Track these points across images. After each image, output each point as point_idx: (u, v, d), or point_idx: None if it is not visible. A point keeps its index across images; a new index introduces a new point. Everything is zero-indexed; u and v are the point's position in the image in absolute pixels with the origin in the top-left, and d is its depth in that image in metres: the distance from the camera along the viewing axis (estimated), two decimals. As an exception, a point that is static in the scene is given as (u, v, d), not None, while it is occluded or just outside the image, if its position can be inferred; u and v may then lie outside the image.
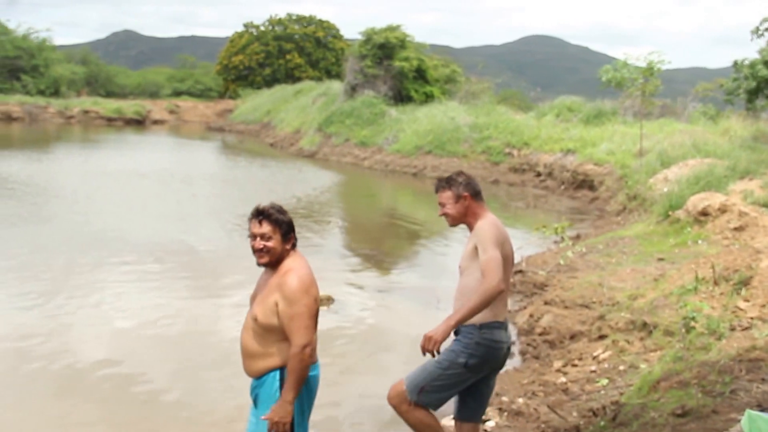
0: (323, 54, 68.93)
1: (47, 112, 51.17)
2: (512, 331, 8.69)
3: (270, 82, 62.63)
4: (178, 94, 67.12)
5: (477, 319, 4.43)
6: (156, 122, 55.20)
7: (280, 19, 70.31)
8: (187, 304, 9.40)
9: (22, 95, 53.03)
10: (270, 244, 4.08)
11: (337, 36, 70.83)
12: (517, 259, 11.84)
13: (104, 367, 7.23)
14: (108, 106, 53.56)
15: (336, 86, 38.97)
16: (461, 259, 4.65)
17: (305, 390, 4.07)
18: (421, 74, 33.10)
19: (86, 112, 52.03)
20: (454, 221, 4.67)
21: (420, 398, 4.49)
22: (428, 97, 32.19)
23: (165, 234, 13.66)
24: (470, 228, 4.64)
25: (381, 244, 14.58)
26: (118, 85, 66.96)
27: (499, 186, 23.29)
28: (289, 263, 4.09)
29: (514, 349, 8.12)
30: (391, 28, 33.25)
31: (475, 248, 4.47)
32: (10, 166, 23.15)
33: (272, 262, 4.10)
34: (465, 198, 4.60)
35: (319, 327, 8.68)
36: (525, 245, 12.89)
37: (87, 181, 20.94)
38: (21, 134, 40.76)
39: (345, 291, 10.33)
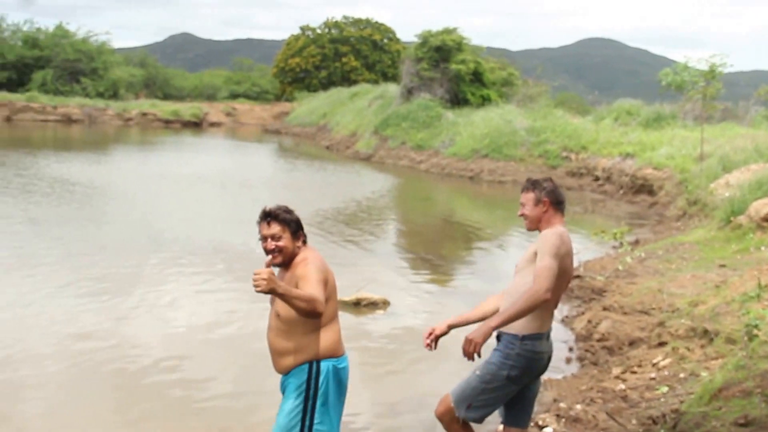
0: (379, 57, 69.08)
1: (106, 114, 52.10)
2: (569, 336, 8.64)
3: (326, 85, 62.98)
4: (234, 96, 67.82)
5: (520, 329, 4.41)
6: (213, 124, 55.82)
7: (336, 22, 70.66)
8: (245, 307, 9.49)
9: (81, 97, 54.07)
10: (281, 243, 4.20)
11: (394, 39, 70.90)
12: (575, 264, 11.78)
13: (163, 368, 7.31)
14: (165, 108, 54.32)
15: (392, 89, 39.01)
16: (519, 260, 4.64)
17: (333, 381, 4.18)
18: (477, 77, 32.99)
19: (144, 114, 52.85)
20: (531, 224, 4.64)
21: (468, 414, 4.48)
22: (485, 100, 32.06)
23: (223, 236, 13.80)
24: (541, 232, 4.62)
25: (437, 248, 14.56)
26: (176, 87, 67.91)
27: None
28: (302, 256, 4.22)
29: (572, 354, 8.06)
30: (448, 31, 33.19)
31: (535, 253, 4.43)
32: (71, 168, 23.63)
33: (285, 261, 4.21)
34: (544, 203, 4.57)
35: (374, 329, 8.74)
36: (583, 250, 12.77)
37: (145, 183, 21.28)
38: (81, 136, 41.56)
39: (400, 294, 10.34)
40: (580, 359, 7.90)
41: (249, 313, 9.14)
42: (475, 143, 27.05)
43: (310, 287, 3.97)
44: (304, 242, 4.31)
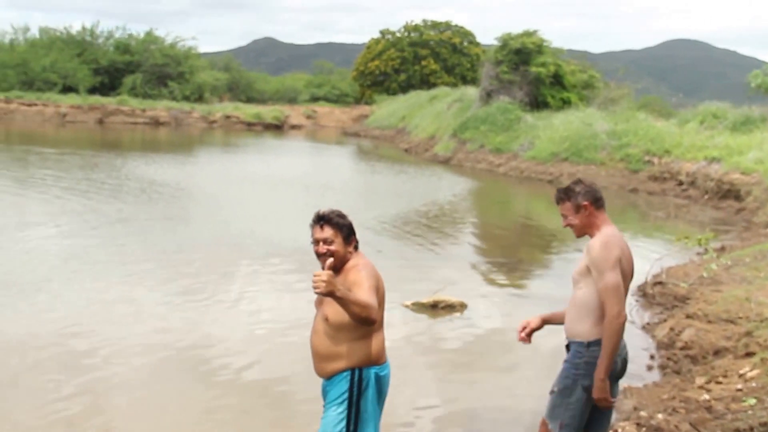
0: (458, 60, 68.98)
1: (191, 116, 53.23)
2: (651, 344, 8.45)
3: (405, 88, 63.16)
4: (315, 99, 68.55)
5: (586, 335, 4.35)
6: (293, 127, 56.50)
7: (416, 26, 70.82)
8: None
9: (168, 101, 55.43)
10: (333, 247, 4.19)
11: (473, 42, 70.73)
12: (656, 269, 11.53)
13: (244, 366, 7.39)
14: (248, 111, 55.23)
15: (471, 92, 38.86)
16: (574, 271, 4.54)
17: (374, 389, 4.16)
18: (558, 80, 32.62)
19: (228, 117, 53.81)
20: (579, 232, 4.52)
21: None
22: (565, 103, 31.67)
23: (305, 238, 13.91)
24: (591, 236, 4.49)
25: (514, 252, 14.43)
26: (258, 90, 68.97)
27: (638, 195, 22.66)
28: (353, 262, 4.21)
29: (654, 362, 7.89)
30: (528, 34, 32.90)
31: (588, 267, 4.35)
32: (159, 169, 24.20)
33: (336, 265, 4.16)
34: (585, 207, 4.43)
35: (451, 332, 8.70)
36: (665, 256, 12.51)
37: (229, 185, 21.63)
38: (167, 138, 42.51)
39: (478, 298, 10.27)
40: (662, 367, 7.72)
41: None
42: (555, 147, 26.72)
43: (364, 294, 3.95)
44: (356, 248, 4.29)
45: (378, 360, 4.20)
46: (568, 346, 4.49)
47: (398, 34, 70.88)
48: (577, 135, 26.64)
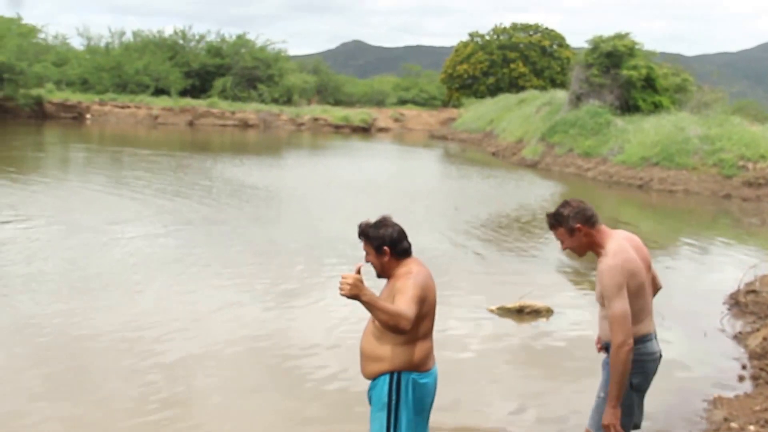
0: (548, 63, 68.37)
1: (280, 119, 54.05)
2: (742, 354, 8.27)
3: (493, 91, 62.89)
4: (403, 102, 68.82)
5: None
6: (381, 130, 56.82)
7: (505, 28, 70.46)
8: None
9: (257, 103, 56.42)
10: (368, 258, 4.34)
11: (563, 44, 69.98)
12: (750, 278, 11.25)
13: (331, 370, 7.47)
14: (336, 113, 55.80)
15: (560, 95, 38.46)
16: (597, 294, 4.47)
17: (412, 394, 4.19)
18: (649, 83, 31.99)
19: (316, 119, 54.47)
20: (581, 252, 4.50)
21: None
22: (656, 107, 31.04)
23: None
24: (597, 255, 4.44)
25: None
26: (346, 93, 69.59)
27: (732, 201, 22.10)
28: (406, 269, 4.24)
29: (745, 373, 7.72)
30: (619, 36, 32.39)
31: (602, 294, 4.31)
32: (247, 171, 24.69)
33: (380, 274, 4.33)
34: (579, 230, 4.39)
35: (536, 338, 8.66)
36: (760, 264, 12.19)
37: (317, 187, 21.92)
38: (256, 140, 43.25)
39: (564, 303, 10.19)
40: (754, 378, 7.55)
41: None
42: (645, 151, 26.24)
43: (403, 303, 3.99)
44: (397, 255, 4.30)
45: (420, 367, 4.23)
46: (606, 348, 4.46)
47: (487, 37, 70.59)
48: (668, 139, 26.11)
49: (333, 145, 41.68)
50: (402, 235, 4.33)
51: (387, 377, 4.20)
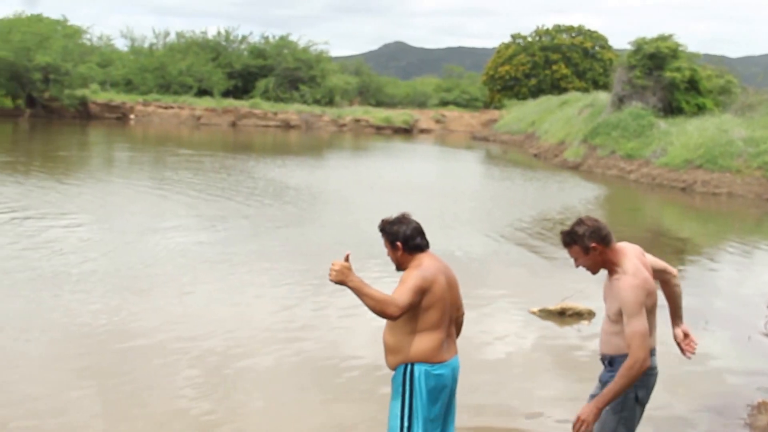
0: (590, 64, 67.87)
1: (322, 120, 54.29)
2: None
3: (535, 93, 62.62)
4: (444, 103, 68.76)
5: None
6: (422, 131, 56.81)
7: (547, 30, 70.07)
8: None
9: (299, 104, 56.71)
10: (387, 251, 4.56)
11: (605, 46, 69.40)
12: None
13: (379, 373, 7.49)
14: (378, 115, 55.91)
15: (603, 97, 38.18)
16: (608, 310, 4.48)
17: (423, 385, 4.31)
18: (693, 85, 31.64)
19: (357, 120, 54.61)
20: (595, 269, 4.50)
21: None
22: (700, 109, 30.69)
23: (438, 245, 14.03)
24: (610, 272, 4.45)
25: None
26: (388, 94, 69.69)
27: (778, 204, 21.79)
28: (416, 262, 4.42)
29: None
30: (663, 38, 32.09)
31: (619, 310, 4.31)
32: (290, 172, 24.86)
33: (398, 268, 4.52)
34: (594, 248, 4.37)
35: (577, 340, 8.61)
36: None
37: (360, 189, 21.98)
38: (298, 141, 43.49)
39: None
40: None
41: (467, 320, 9.27)
42: (689, 153, 25.94)
43: (397, 291, 4.18)
44: (410, 250, 4.46)
45: (431, 359, 4.33)
46: (611, 362, 4.49)
47: (529, 39, 70.27)
48: (712, 142, 25.78)
49: (375, 146, 41.77)
50: (416, 231, 4.49)
51: (402, 368, 4.36)
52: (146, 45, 63.47)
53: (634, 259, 4.41)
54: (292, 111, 54.32)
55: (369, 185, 22.37)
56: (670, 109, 31.11)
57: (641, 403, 4.44)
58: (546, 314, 9.52)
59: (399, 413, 4.35)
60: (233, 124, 51.77)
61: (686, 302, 10.62)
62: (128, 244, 12.48)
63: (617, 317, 4.36)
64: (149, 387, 6.81)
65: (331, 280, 4.10)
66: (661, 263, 4.75)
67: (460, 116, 63.26)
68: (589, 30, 70.48)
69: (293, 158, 30.64)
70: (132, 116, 51.25)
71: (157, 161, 27.71)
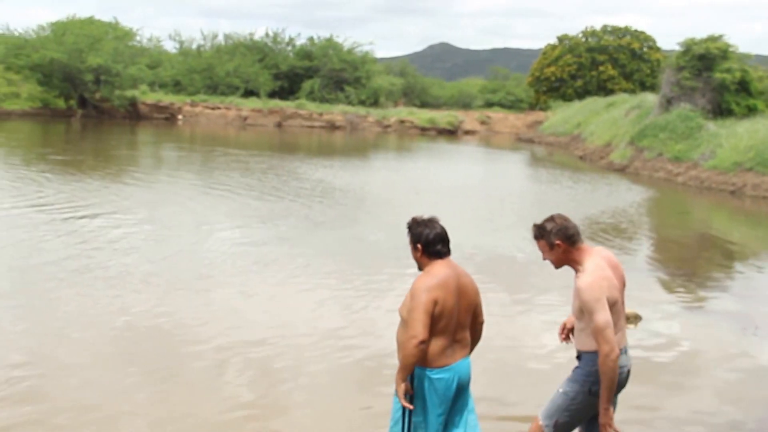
0: (638, 66, 67.10)
1: (366, 121, 54.42)
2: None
3: (581, 94, 62.11)
4: (489, 105, 68.51)
5: (596, 346, 4.49)
6: (467, 132, 56.66)
7: (594, 31, 69.40)
8: (496, 313, 9.62)
9: (344, 105, 56.93)
10: (410, 249, 4.69)
11: (654, 47, 68.54)
12: None
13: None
14: (422, 116, 55.90)
15: (650, 99, 37.78)
16: (573, 307, 4.68)
17: (428, 387, 4.50)
18: (743, 86, 31.17)
19: (402, 121, 54.65)
20: (558, 265, 4.75)
21: (555, 430, 4.69)
22: (751, 111, 30.22)
23: (480, 244, 14.02)
24: (574, 271, 4.67)
25: (692, 265, 13.98)
26: (433, 96, 69.66)
27: (830, 208, 21.39)
28: (426, 269, 4.58)
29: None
30: (713, 38, 31.66)
31: (581, 308, 4.51)
32: (335, 173, 24.98)
33: (419, 268, 4.67)
34: (558, 245, 4.61)
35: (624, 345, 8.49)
36: None
37: (405, 191, 21.96)
38: (343, 142, 43.64)
39: (653, 310, 10.05)
40: None
41: (501, 321, 9.27)
42: (739, 156, 25.55)
43: (410, 327, 4.37)
44: (429, 255, 4.61)
45: (432, 363, 4.49)
46: (579, 356, 4.70)
47: (576, 40, 69.69)
48: (763, 144, 25.36)
49: (419, 147, 41.78)
50: (439, 238, 4.62)
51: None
52: (194, 47, 64.23)
53: (598, 259, 4.60)
54: (337, 112, 54.53)
55: (415, 189, 22.31)
56: (720, 111, 30.68)
57: (596, 396, 4.58)
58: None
59: (400, 409, 4.55)
60: (279, 125, 52.13)
61: (734, 307, 10.57)
62: (186, 246, 12.67)
63: (580, 314, 4.57)
64: (199, 385, 6.93)
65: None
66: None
67: (505, 118, 62.98)
68: (636, 30, 69.68)
69: (339, 159, 30.76)
70: (180, 116, 51.88)
71: (207, 161, 28.02)
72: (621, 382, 4.69)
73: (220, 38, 65.25)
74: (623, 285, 4.71)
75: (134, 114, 50.10)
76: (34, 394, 6.47)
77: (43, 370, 7.02)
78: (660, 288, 11.78)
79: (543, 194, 22.89)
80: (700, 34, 50.90)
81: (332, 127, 52.94)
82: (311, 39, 64.05)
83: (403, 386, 4.43)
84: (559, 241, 4.61)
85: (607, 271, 4.56)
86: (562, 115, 52.08)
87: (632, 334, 8.97)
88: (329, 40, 63.20)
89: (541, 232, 4.69)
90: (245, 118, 52.46)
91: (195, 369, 7.28)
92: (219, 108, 53.02)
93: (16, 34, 51.80)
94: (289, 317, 9.00)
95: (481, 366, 7.76)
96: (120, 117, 48.79)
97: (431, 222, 4.66)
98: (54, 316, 8.50)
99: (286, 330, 8.50)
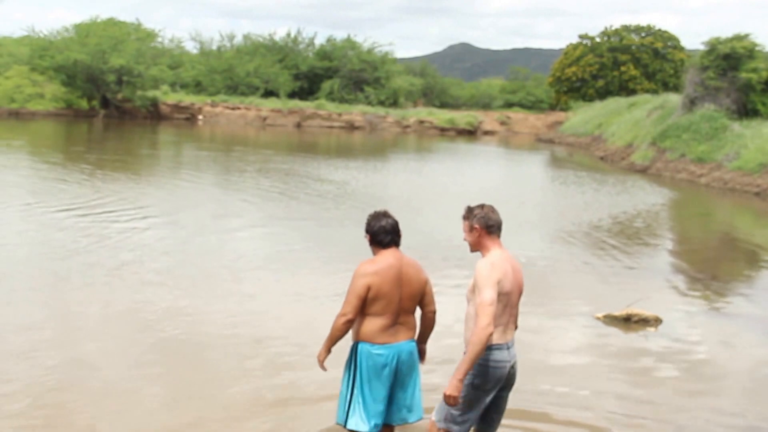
0: (660, 65, 66.51)
1: (386, 121, 54.40)
2: None
3: (602, 95, 61.68)
4: (509, 105, 68.28)
5: None
6: (486, 133, 56.50)
7: (616, 30, 68.87)
8: (520, 317, 9.48)
9: (364, 105, 56.94)
10: None
11: (677, 47, 67.88)
12: None
13: (435, 377, 7.45)
14: (442, 116, 55.78)
15: (673, 99, 37.41)
16: (467, 290, 4.94)
17: (365, 361, 5.04)
18: (770, 86, 30.80)
19: (421, 122, 54.58)
20: (472, 249, 5.02)
21: (448, 426, 4.86)
22: (777, 111, 29.86)
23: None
24: (482, 255, 4.95)
25: (715, 267, 13.76)
26: (452, 96, 69.57)
27: None
28: (373, 257, 5.21)
29: None
30: (738, 38, 31.29)
31: (473, 288, 4.78)
32: (354, 174, 24.89)
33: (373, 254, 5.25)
34: (476, 230, 4.92)
35: (644, 347, 8.39)
36: None
37: (425, 192, 21.83)
38: (362, 142, 43.61)
39: (674, 313, 9.89)
40: None
41: (531, 325, 9.14)
42: (764, 157, 25.19)
43: (343, 305, 5.04)
44: (376, 244, 5.21)
45: (372, 339, 5.02)
46: (466, 352, 4.80)
47: (597, 39, 69.20)
48: (789, 145, 25.04)
49: (438, 147, 41.64)
50: (384, 229, 5.16)
51: (353, 344, 5.14)
52: (214, 47, 64.46)
53: (502, 253, 4.88)
54: (357, 112, 54.53)
55: (435, 191, 22.18)
56: (745, 111, 30.33)
57: (482, 389, 4.80)
58: (611, 320, 9.32)
59: (346, 381, 5.13)
60: (298, 125, 52.19)
61: (758, 311, 10.38)
62: (208, 245, 12.71)
63: (471, 295, 4.82)
64: (215, 378, 6.94)
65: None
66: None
67: (525, 118, 62.74)
68: (659, 30, 69.10)
69: (359, 160, 30.65)
70: (200, 117, 52.07)
71: (227, 161, 28.07)
72: (507, 378, 4.88)
73: (239, 39, 65.52)
74: (520, 290, 4.95)
75: (155, 114, 50.36)
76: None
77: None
78: (681, 290, 11.60)
79: (564, 195, 22.66)
80: (728, 33, 50.36)
81: (351, 127, 52.94)
82: (330, 39, 64.10)
83: (324, 354, 5.14)
84: (478, 227, 4.90)
85: (507, 265, 4.82)
86: (582, 116, 51.75)
87: (651, 337, 8.86)
88: (348, 40, 63.20)
89: (467, 214, 5.01)
90: (265, 119, 52.56)
91: (210, 361, 7.30)
92: (239, 108, 53.19)
93: (41, 36, 52.25)
94: (312, 314, 8.97)
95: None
96: (141, 117, 49.06)
97: (381, 215, 5.20)
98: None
99: (309, 326, 8.46)
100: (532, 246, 13.98)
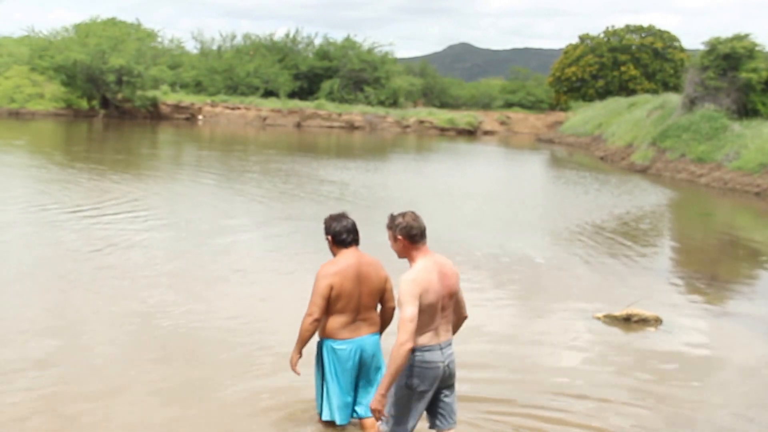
0: (660, 65, 66.48)
1: (385, 121, 54.41)
2: None
3: (602, 95, 61.69)
4: (509, 105, 68.23)
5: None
6: (486, 133, 56.50)
7: (616, 30, 68.83)
8: (523, 317, 9.49)
9: (364, 105, 56.94)
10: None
11: (678, 47, 67.84)
12: None
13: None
14: (441, 116, 55.78)
15: (673, 99, 37.39)
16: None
17: (333, 356, 5.45)
18: (770, 86, 30.77)
19: (421, 122, 54.59)
20: (399, 256, 5.10)
21: (392, 428, 4.95)
22: (777, 111, 29.84)
23: (502, 246, 13.90)
24: (410, 265, 5.02)
25: (715, 267, 13.77)
26: (452, 96, 69.53)
27: None
28: (334, 258, 5.55)
29: None
30: (739, 37, 31.27)
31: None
32: (355, 175, 24.88)
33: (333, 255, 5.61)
34: (400, 240, 4.99)
35: (644, 347, 8.40)
36: None
37: (425, 193, 21.77)
38: (362, 142, 43.59)
39: (674, 313, 9.87)
40: None
41: (531, 325, 9.15)
42: (764, 157, 25.19)
43: (308, 305, 5.41)
44: (337, 244, 5.55)
45: (333, 335, 5.42)
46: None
47: (597, 39, 69.14)
48: (789, 145, 25.03)
49: (439, 147, 41.63)
50: (344, 229, 5.51)
51: (319, 341, 5.55)
52: (214, 47, 64.46)
53: (430, 262, 4.94)
54: (357, 112, 54.52)
55: (437, 192, 22.15)
56: (745, 111, 30.32)
57: (414, 389, 4.89)
58: (611, 320, 9.31)
59: (317, 376, 5.58)
60: (298, 125, 52.19)
61: (756, 311, 10.39)
62: (207, 247, 12.65)
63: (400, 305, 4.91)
64: (217, 377, 6.93)
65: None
66: (462, 301, 5.25)
67: (525, 118, 62.74)
68: (660, 30, 69.06)
69: (359, 161, 30.63)
70: (200, 117, 52.09)
71: (228, 161, 28.05)
72: (444, 378, 4.97)
73: (239, 39, 65.50)
74: (451, 294, 5.01)
75: (155, 114, 50.37)
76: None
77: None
78: (681, 290, 11.60)
79: (564, 196, 22.65)
80: (728, 33, 50.36)
81: (351, 127, 52.93)
82: (326, 38, 64.13)
83: (296, 357, 5.48)
84: (401, 237, 4.97)
85: (433, 275, 4.88)
86: (582, 116, 51.73)
87: (651, 338, 8.85)
88: (348, 40, 63.14)
89: (390, 224, 5.06)
90: (264, 119, 52.57)
91: (213, 360, 7.27)
92: (239, 108, 53.21)
93: (41, 36, 52.25)
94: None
95: (485, 363, 7.65)
96: (141, 117, 49.08)
97: (340, 217, 5.56)
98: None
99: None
100: (532, 246, 13.99)
